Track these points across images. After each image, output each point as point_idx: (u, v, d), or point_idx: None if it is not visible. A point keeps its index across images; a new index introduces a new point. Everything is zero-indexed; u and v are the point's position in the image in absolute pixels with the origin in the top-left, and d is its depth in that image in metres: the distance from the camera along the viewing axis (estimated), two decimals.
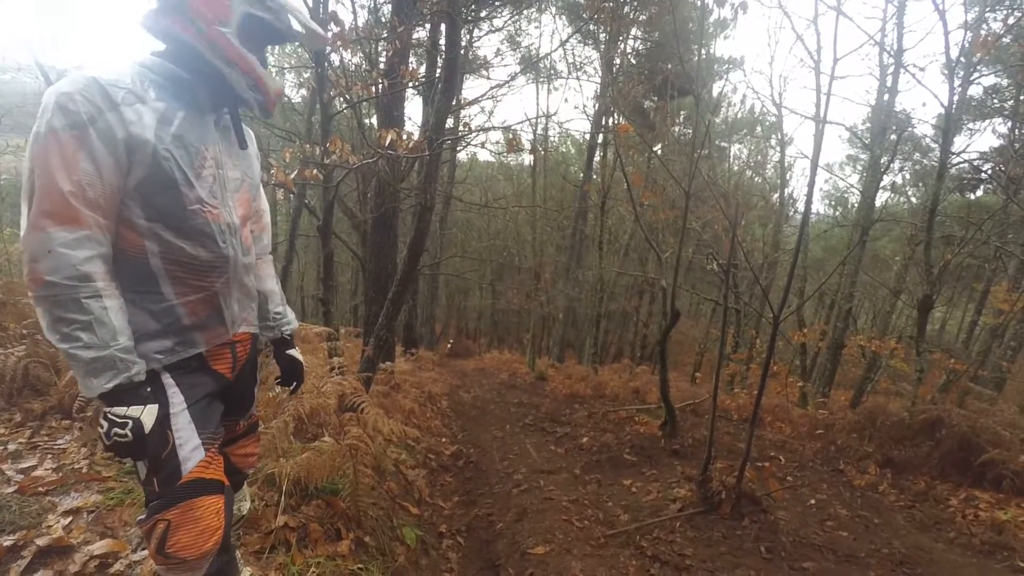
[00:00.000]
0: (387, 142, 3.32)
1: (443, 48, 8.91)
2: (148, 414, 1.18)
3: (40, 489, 2.28)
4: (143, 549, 1.98)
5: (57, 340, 1.11)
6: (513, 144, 4.10)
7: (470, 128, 5.55)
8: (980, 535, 4.31)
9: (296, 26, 1.40)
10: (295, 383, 1.80)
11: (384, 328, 4.07)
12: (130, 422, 1.15)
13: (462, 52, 9.63)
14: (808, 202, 4.38)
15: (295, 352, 1.79)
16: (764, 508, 3.77)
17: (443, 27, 7.94)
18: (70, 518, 2.11)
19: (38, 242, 1.07)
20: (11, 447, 2.63)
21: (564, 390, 10.63)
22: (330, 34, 4.16)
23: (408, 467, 4.44)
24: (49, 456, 2.57)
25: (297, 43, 1.49)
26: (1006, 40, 7.99)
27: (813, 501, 4.76)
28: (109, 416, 1.15)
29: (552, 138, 14.15)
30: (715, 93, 14.21)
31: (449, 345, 15.56)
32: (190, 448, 1.28)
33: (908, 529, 4.47)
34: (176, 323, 1.28)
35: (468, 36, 10.36)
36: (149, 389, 1.22)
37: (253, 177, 1.53)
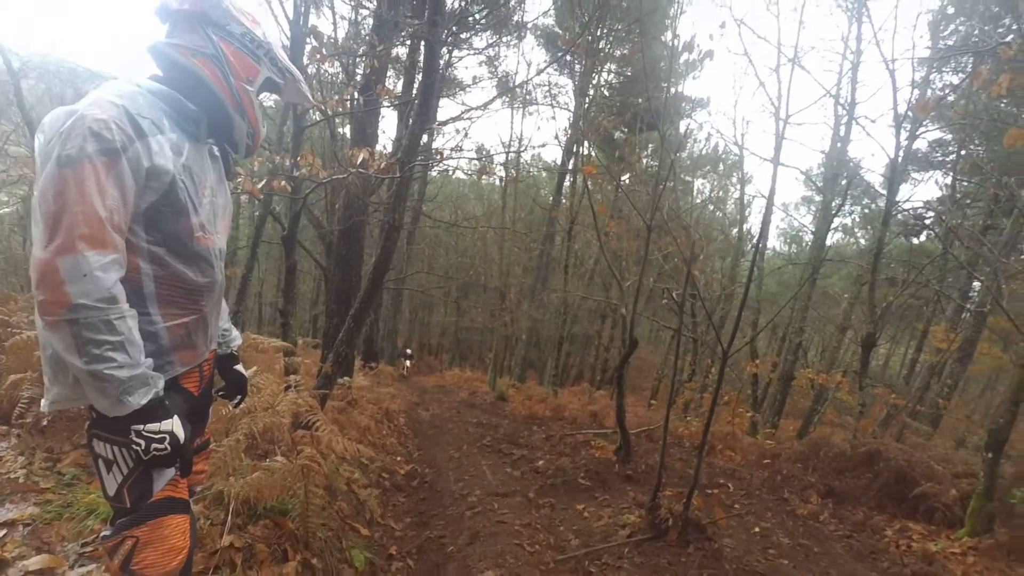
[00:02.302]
0: (359, 161, 3.35)
1: (421, 70, 9.05)
2: (177, 425, 1.23)
3: None
4: (80, 566, 1.92)
5: (85, 362, 1.09)
6: (485, 170, 4.19)
7: (441, 154, 5.62)
8: (911, 565, 4.50)
9: (295, 89, 1.56)
10: (239, 397, 1.84)
11: (345, 344, 4.05)
12: (167, 436, 1.20)
13: (440, 72, 9.75)
14: (762, 237, 4.62)
15: (240, 367, 1.84)
16: (709, 536, 3.88)
17: (422, 49, 8.08)
18: (4, 531, 2.03)
19: (72, 265, 1.07)
20: None
21: (524, 411, 10.65)
22: (309, 48, 4.20)
23: (361, 486, 4.38)
24: None
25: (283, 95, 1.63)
26: (950, 98, 8.64)
27: (757, 529, 4.90)
28: (145, 433, 1.18)
29: (524, 161, 14.39)
30: (681, 130, 14.78)
31: (406, 367, 15.79)
32: None
33: (846, 558, 4.64)
34: (160, 345, 1.30)
35: (447, 56, 10.52)
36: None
37: (230, 204, 1.60)
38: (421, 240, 17.60)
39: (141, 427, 1.18)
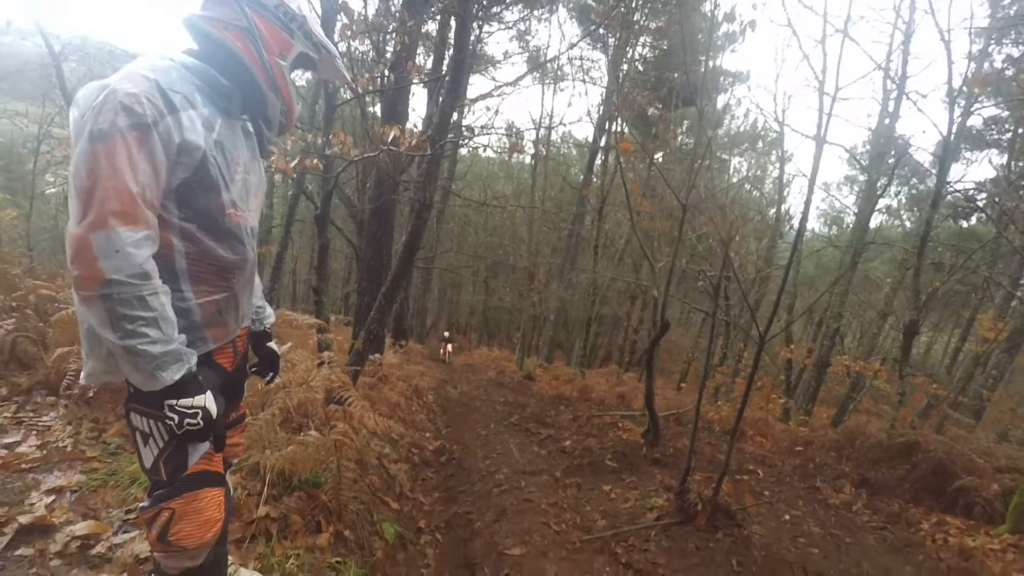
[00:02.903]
0: (390, 138, 3.33)
1: (451, 46, 8.90)
2: (210, 400, 1.26)
3: (23, 466, 2.29)
4: (124, 532, 2.00)
5: (119, 337, 1.11)
6: (516, 148, 4.12)
7: (473, 131, 5.54)
8: (948, 560, 4.37)
9: (331, 65, 1.53)
10: (271, 374, 1.86)
11: (376, 322, 4.09)
12: (200, 411, 1.22)
13: (471, 48, 9.61)
14: (803, 220, 4.44)
15: (273, 344, 1.86)
16: (738, 522, 3.83)
17: (452, 24, 7.93)
18: (53, 497, 2.13)
19: (104, 240, 1.07)
20: None
21: (551, 391, 10.69)
22: (339, 25, 4.17)
23: (391, 461, 4.47)
24: (34, 432, 2.58)
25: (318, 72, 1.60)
26: (1008, 72, 8.09)
27: (788, 517, 4.81)
28: (178, 408, 1.20)
29: (555, 140, 14.16)
30: (719, 105, 14.26)
31: (448, 351, 15.22)
32: None
33: (878, 550, 4.53)
34: (192, 321, 1.31)
35: (477, 32, 10.34)
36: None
37: (263, 181, 1.58)
38: (451, 219, 17.62)
39: (174, 402, 1.19)
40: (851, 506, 5.44)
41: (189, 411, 1.20)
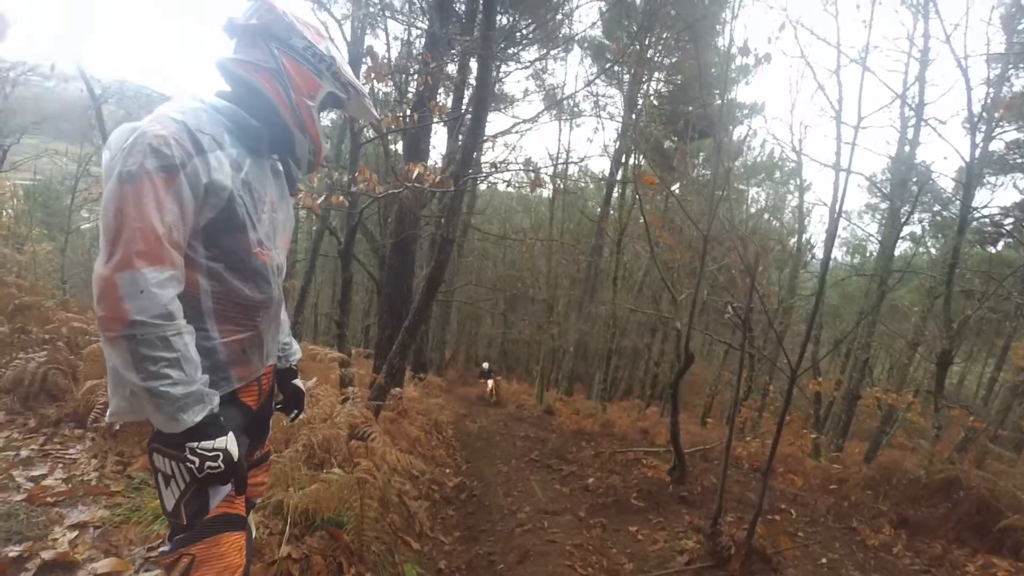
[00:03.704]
0: (414, 175, 3.40)
1: (472, 85, 9.16)
2: (231, 443, 1.24)
3: (49, 499, 2.29)
4: (145, 571, 1.97)
5: (141, 379, 1.10)
6: (536, 183, 4.17)
7: (496, 167, 5.64)
8: None
9: (359, 104, 1.56)
10: (296, 411, 1.83)
11: (397, 356, 4.09)
12: (221, 454, 1.20)
13: (491, 88, 9.87)
14: (828, 249, 4.37)
15: (299, 381, 1.83)
16: (775, 567, 3.65)
17: (474, 65, 8.17)
18: (76, 532, 2.12)
19: (130, 281, 1.08)
20: (23, 453, 2.65)
21: (571, 425, 10.49)
22: (365, 68, 4.31)
23: (411, 498, 4.37)
24: (60, 465, 2.59)
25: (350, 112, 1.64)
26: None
27: (824, 560, 4.59)
28: (199, 451, 1.18)
29: (572, 174, 14.34)
30: (735, 137, 14.33)
31: (493, 389, 13.53)
32: None
33: None
34: (216, 361, 1.31)
35: (496, 72, 10.65)
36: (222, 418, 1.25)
37: (291, 219, 1.60)
38: (469, 252, 17.75)
39: (195, 444, 1.17)
40: (891, 548, 5.16)
41: (210, 454, 1.18)
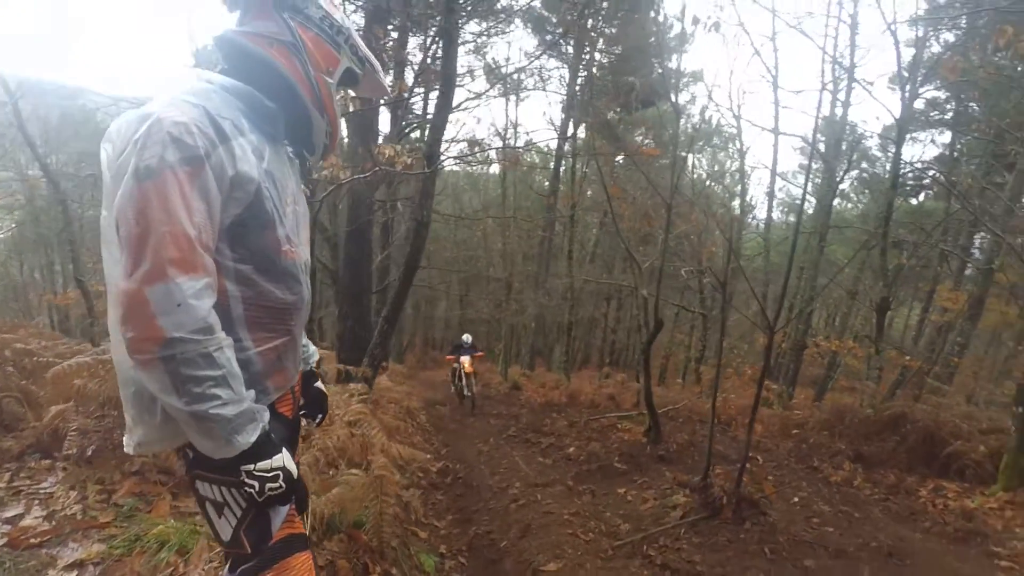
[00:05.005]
0: (385, 158, 3.24)
1: (411, 62, 8.85)
2: (288, 460, 1.12)
3: (33, 541, 2.09)
4: None
5: (185, 403, 0.97)
6: (514, 161, 4.09)
7: (480, 145, 5.47)
8: (953, 523, 4.51)
9: (373, 80, 1.42)
10: (320, 415, 1.73)
11: (378, 347, 3.97)
12: (280, 472, 1.09)
13: (429, 65, 9.58)
14: (769, 209, 4.56)
15: (320, 384, 1.72)
16: (762, 510, 3.87)
17: (413, 41, 7.84)
18: (75, 572, 1.95)
19: (163, 294, 0.94)
20: None
21: (540, 399, 10.65)
22: None
23: (402, 488, 4.33)
24: (36, 502, 2.37)
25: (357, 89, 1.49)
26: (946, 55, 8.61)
27: (796, 499, 4.90)
28: (256, 473, 1.06)
29: (522, 149, 14.26)
30: (680, 104, 14.61)
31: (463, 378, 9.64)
32: None
33: (887, 521, 4.65)
34: (253, 372, 1.17)
35: (433, 49, 10.33)
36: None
37: (307, 211, 1.46)
38: None
39: (251, 467, 1.06)
40: (851, 482, 5.59)
41: (269, 475, 1.07)
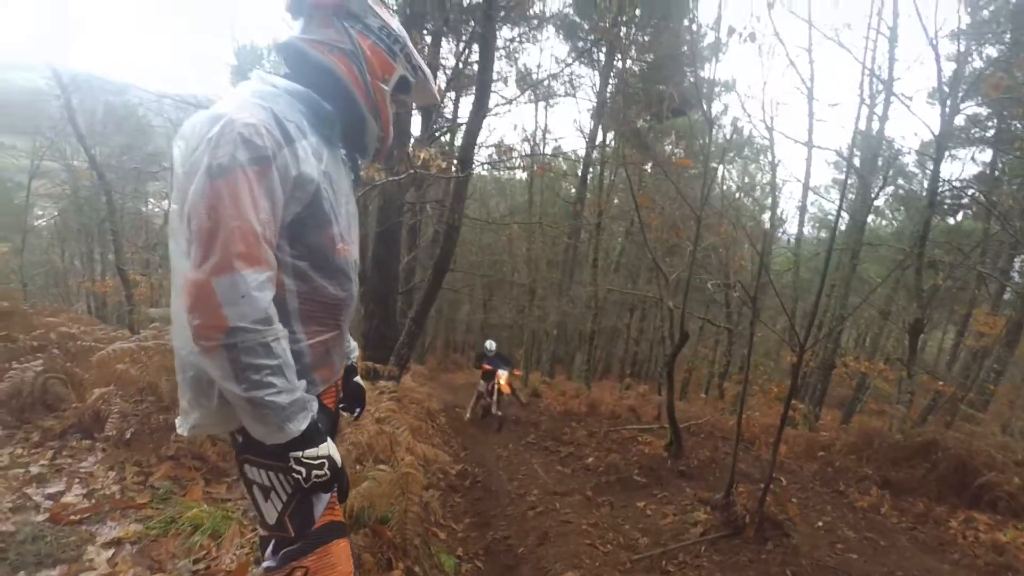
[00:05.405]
0: (420, 161, 3.30)
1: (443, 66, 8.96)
2: (333, 449, 1.18)
3: (73, 518, 2.18)
4: None
5: (244, 389, 1.03)
6: (544, 167, 4.11)
7: (511, 149, 5.52)
8: (983, 556, 4.37)
9: (425, 88, 1.48)
10: (359, 409, 1.78)
11: (405, 346, 4.03)
12: (326, 460, 1.14)
13: (462, 69, 9.70)
14: (801, 224, 4.48)
15: (359, 379, 1.78)
16: (786, 532, 3.79)
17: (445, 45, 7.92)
18: (112, 550, 2.02)
19: (229, 285, 1.00)
20: (33, 469, 2.51)
21: (559, 407, 10.62)
22: None
23: (422, 488, 4.37)
24: (76, 480, 2.46)
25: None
26: (988, 70, 8.37)
27: (820, 523, 4.79)
28: (304, 460, 1.12)
29: (550, 156, 14.28)
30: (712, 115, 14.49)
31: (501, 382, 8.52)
32: None
33: (913, 551, 4.52)
34: (303, 364, 1.23)
35: (467, 53, 10.45)
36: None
37: (356, 211, 1.52)
38: None
39: (300, 453, 1.11)
40: (878, 508, 5.43)
41: (316, 462, 1.13)
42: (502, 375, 8.41)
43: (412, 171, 3.32)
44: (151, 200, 18.54)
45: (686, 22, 12.32)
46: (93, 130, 13.14)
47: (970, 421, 7.45)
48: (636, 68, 13.51)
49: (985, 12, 9.07)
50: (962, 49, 7.61)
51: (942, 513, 5.29)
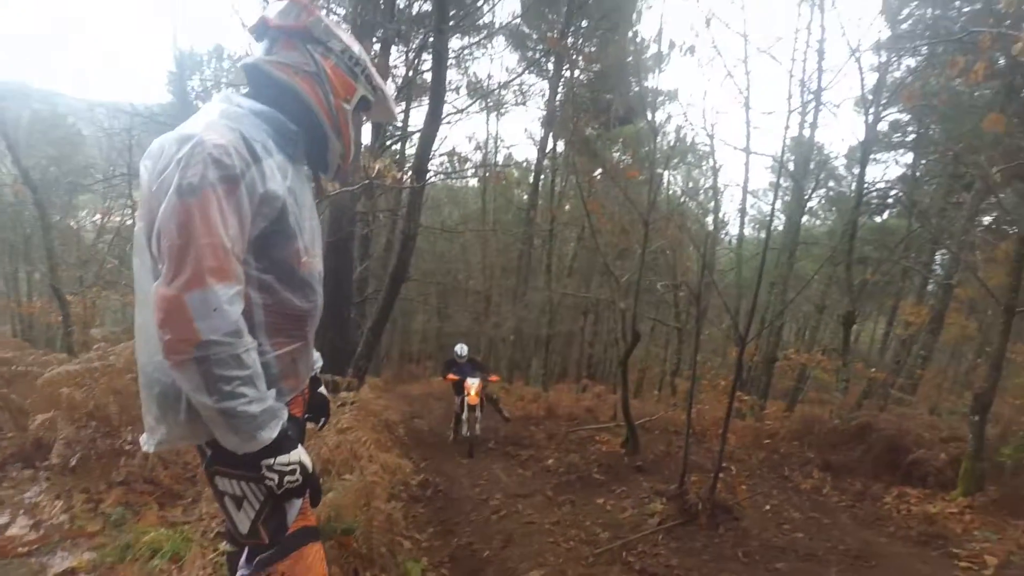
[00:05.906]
0: (375, 171, 3.32)
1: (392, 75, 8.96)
2: (304, 455, 1.21)
3: (21, 550, 2.09)
4: None
5: (215, 400, 1.05)
6: (499, 176, 4.21)
7: (466, 159, 5.59)
8: (916, 527, 4.69)
9: (384, 107, 1.53)
10: (323, 419, 1.81)
11: (363, 358, 4.02)
12: (297, 466, 1.17)
13: (411, 78, 9.71)
14: (741, 225, 4.77)
15: (323, 389, 1.80)
16: (736, 516, 4.01)
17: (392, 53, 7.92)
18: None
19: (200, 300, 1.03)
20: None
21: (518, 412, 10.67)
22: None
23: (383, 500, 4.35)
24: (21, 512, 2.35)
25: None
26: (912, 81, 9.08)
27: (768, 506, 5.06)
28: (276, 467, 1.15)
29: (502, 165, 14.43)
30: (655, 123, 15.02)
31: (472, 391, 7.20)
32: None
33: (854, 526, 4.83)
34: (271, 375, 1.26)
35: (416, 63, 10.47)
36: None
37: (319, 224, 1.56)
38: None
39: (272, 461, 1.14)
40: (820, 489, 5.78)
41: (287, 468, 1.16)
42: (471, 385, 7.09)
43: (367, 181, 3.36)
44: (81, 214, 17.51)
45: (630, 34, 12.80)
46: (18, 140, 12.34)
47: (901, 404, 8.04)
48: (584, 78, 13.92)
49: (904, 26, 9.87)
50: (883, 60, 8.28)
51: (878, 490, 5.68)
